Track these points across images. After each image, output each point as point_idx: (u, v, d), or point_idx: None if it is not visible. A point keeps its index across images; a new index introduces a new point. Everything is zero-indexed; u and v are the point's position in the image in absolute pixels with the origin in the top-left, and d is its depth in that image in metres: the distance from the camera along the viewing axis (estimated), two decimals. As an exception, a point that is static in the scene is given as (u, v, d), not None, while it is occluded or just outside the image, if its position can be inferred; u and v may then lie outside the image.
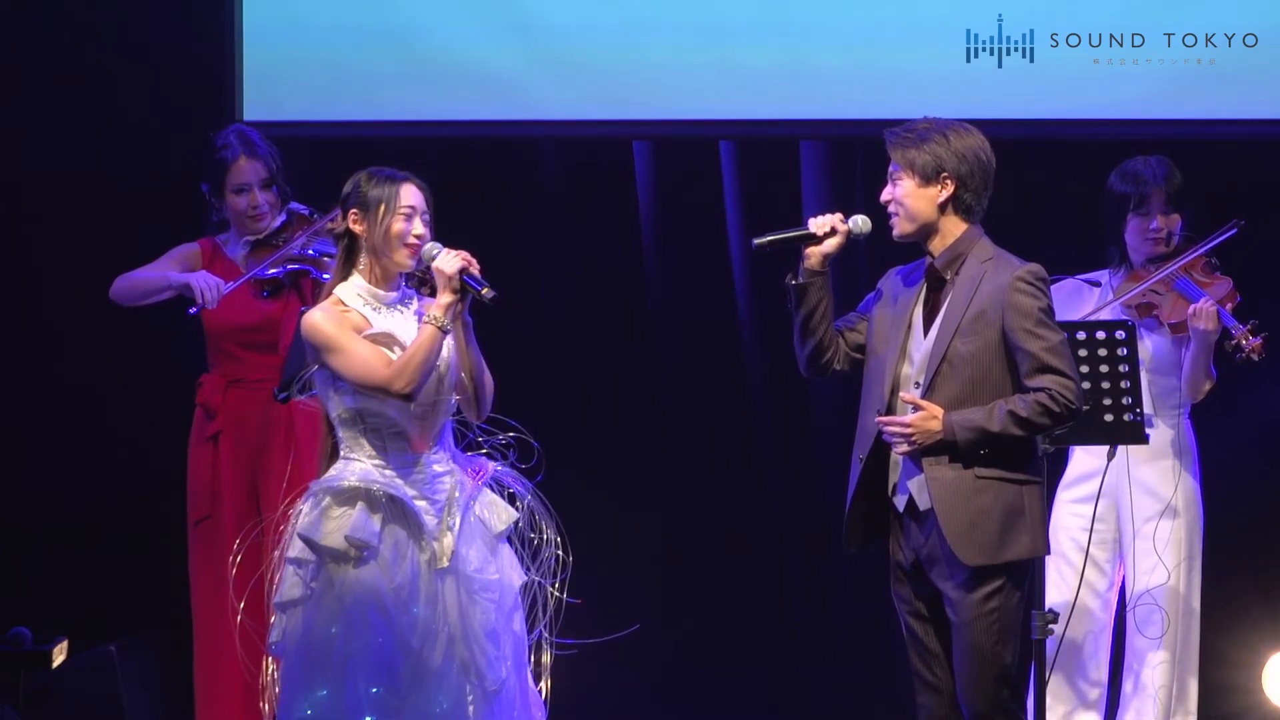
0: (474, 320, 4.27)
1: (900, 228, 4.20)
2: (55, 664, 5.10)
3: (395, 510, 4.17)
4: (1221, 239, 5.27)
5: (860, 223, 4.22)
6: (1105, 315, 5.19)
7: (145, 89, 6.05)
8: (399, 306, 4.24)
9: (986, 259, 4.15)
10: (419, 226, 4.21)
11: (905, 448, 4.06)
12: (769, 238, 4.24)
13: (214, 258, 5.43)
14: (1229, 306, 5.19)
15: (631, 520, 6.15)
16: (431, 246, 4.17)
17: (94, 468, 6.10)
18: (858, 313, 4.33)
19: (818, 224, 4.19)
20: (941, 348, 4.09)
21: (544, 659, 4.37)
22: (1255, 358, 5.10)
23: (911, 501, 4.12)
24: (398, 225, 4.21)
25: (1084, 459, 5.20)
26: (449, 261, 4.11)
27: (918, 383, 4.12)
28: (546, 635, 4.37)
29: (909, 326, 4.17)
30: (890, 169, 4.17)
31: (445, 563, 4.15)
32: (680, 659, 6.10)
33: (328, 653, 4.15)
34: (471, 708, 4.12)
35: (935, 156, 4.13)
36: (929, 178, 4.13)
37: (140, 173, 6.05)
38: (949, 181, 4.15)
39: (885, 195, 4.19)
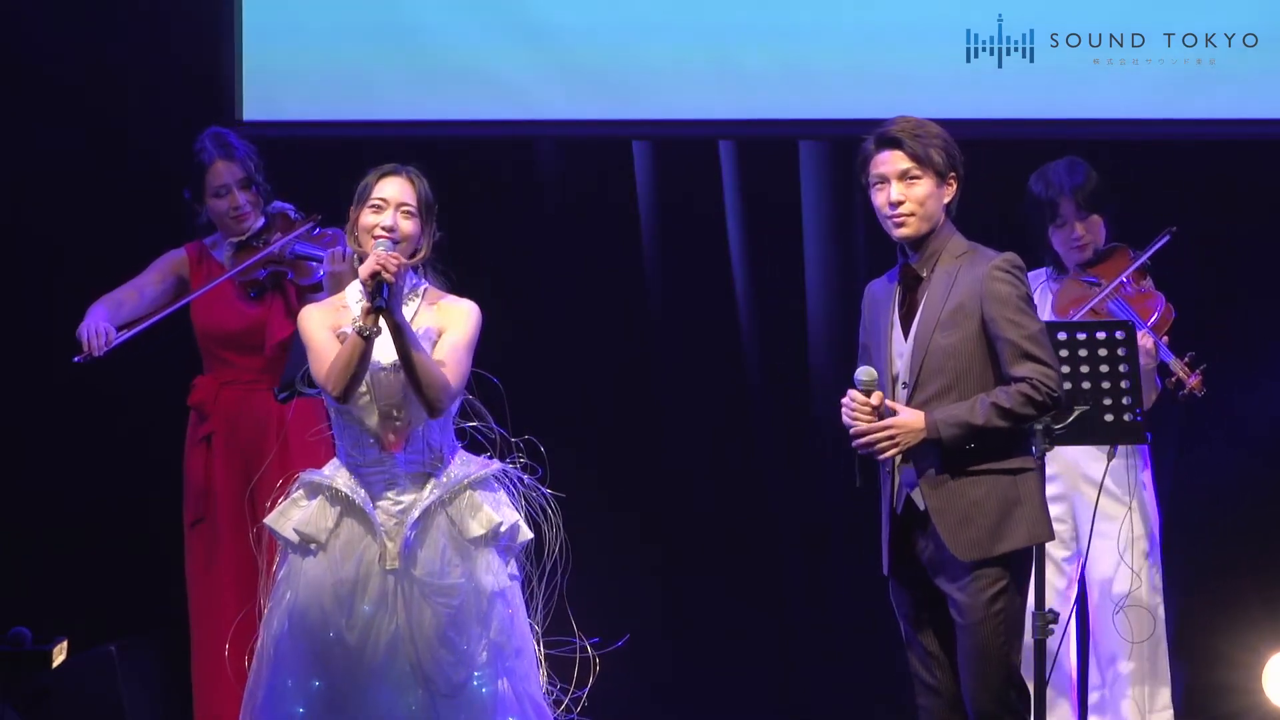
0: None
1: (914, 228, 4.11)
2: (55, 664, 5.10)
3: (352, 506, 4.16)
4: (1157, 247, 5.26)
5: (865, 375, 4.11)
6: None
7: (145, 89, 6.05)
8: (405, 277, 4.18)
9: (962, 253, 4.12)
10: (389, 219, 4.15)
11: (892, 451, 4.04)
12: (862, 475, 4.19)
13: (201, 260, 5.44)
14: (1167, 339, 5.18)
15: (631, 520, 6.15)
16: (381, 243, 4.11)
17: (94, 468, 6.10)
18: (863, 349, 4.27)
19: (865, 435, 4.08)
20: (923, 344, 4.06)
21: (542, 660, 4.37)
22: (1198, 394, 5.10)
23: (911, 504, 4.10)
24: (365, 218, 4.18)
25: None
26: (364, 265, 4.06)
27: (905, 382, 4.10)
28: (540, 635, 4.36)
29: (890, 329, 4.15)
30: (904, 168, 4.06)
31: (394, 564, 4.12)
32: (680, 659, 6.10)
33: (279, 641, 4.16)
34: (418, 709, 4.10)
35: (948, 155, 4.10)
36: (943, 176, 4.10)
37: (140, 173, 6.05)
38: (953, 180, 4.13)
39: (898, 195, 4.09)
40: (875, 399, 4.04)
